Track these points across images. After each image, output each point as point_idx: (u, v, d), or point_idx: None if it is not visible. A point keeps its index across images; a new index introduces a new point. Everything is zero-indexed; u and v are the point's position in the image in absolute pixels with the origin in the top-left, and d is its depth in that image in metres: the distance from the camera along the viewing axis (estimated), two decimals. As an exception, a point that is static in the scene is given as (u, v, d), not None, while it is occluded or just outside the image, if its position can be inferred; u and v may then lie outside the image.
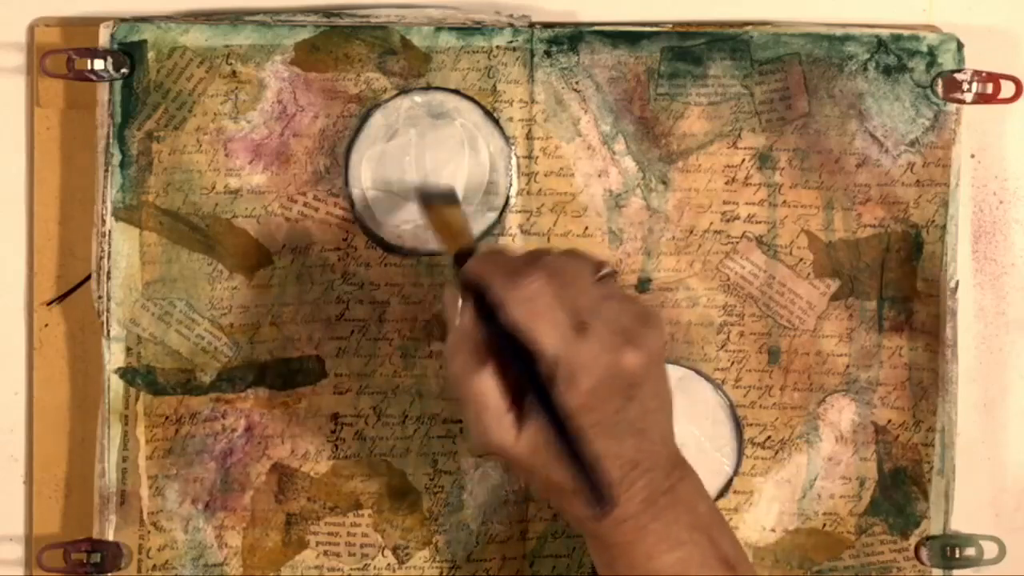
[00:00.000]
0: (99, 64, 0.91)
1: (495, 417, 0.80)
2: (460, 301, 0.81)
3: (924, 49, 0.96)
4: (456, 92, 0.94)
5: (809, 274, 0.97)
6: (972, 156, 0.99)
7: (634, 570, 0.81)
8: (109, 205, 0.92)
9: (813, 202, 0.96)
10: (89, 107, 0.92)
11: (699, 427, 0.97)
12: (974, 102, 0.96)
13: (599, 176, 0.95)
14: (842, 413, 0.97)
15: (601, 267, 0.83)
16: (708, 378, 0.96)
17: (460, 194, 0.93)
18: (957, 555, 0.96)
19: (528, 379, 0.79)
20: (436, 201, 0.90)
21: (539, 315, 0.79)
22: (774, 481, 0.97)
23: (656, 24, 0.96)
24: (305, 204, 0.94)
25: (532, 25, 0.95)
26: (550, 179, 0.95)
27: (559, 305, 0.79)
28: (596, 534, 0.82)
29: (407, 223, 0.94)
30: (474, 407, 0.80)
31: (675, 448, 0.83)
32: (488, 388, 0.79)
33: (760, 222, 0.96)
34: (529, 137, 0.95)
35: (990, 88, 0.96)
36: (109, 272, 0.92)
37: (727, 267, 0.96)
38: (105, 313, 0.92)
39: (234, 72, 0.93)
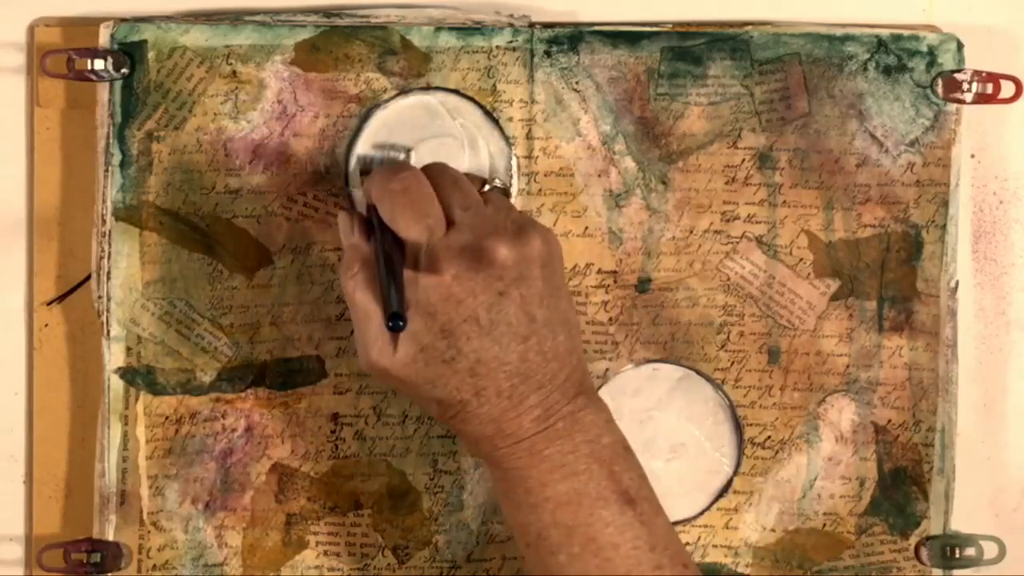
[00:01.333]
0: (99, 64, 0.91)
1: (376, 333, 0.82)
2: (351, 219, 0.85)
3: (924, 49, 0.96)
4: (456, 92, 0.94)
5: (809, 274, 0.97)
6: (972, 156, 0.99)
7: (529, 496, 0.81)
8: (109, 205, 0.92)
9: (813, 202, 0.96)
10: (89, 107, 0.92)
11: (699, 427, 0.97)
12: (974, 102, 0.96)
13: (599, 176, 0.95)
14: (842, 413, 0.97)
15: (488, 181, 0.87)
16: (708, 378, 0.96)
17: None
18: (957, 555, 0.96)
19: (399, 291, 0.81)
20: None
21: (408, 205, 0.81)
22: (774, 481, 0.97)
23: (656, 24, 0.96)
24: (305, 204, 0.94)
25: (532, 25, 0.95)
26: (550, 179, 0.95)
27: (430, 199, 0.82)
28: (494, 459, 0.82)
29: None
30: (359, 322, 0.82)
31: (580, 375, 0.83)
32: (371, 303, 0.82)
33: (760, 222, 0.96)
34: (529, 137, 0.95)
35: (990, 88, 0.96)
36: (109, 272, 0.92)
37: (727, 267, 0.96)
38: (105, 313, 0.92)
39: (234, 72, 0.93)
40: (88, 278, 0.93)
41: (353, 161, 0.93)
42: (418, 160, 0.93)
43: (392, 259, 0.82)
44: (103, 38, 0.92)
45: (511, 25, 0.94)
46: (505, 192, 0.87)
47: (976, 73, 0.96)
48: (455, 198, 0.83)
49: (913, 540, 0.97)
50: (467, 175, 0.87)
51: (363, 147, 0.93)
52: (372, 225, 0.85)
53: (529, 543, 0.83)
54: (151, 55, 0.92)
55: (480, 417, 0.82)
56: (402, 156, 0.92)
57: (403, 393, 0.85)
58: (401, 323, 0.79)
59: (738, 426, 0.96)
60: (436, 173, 0.84)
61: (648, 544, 0.81)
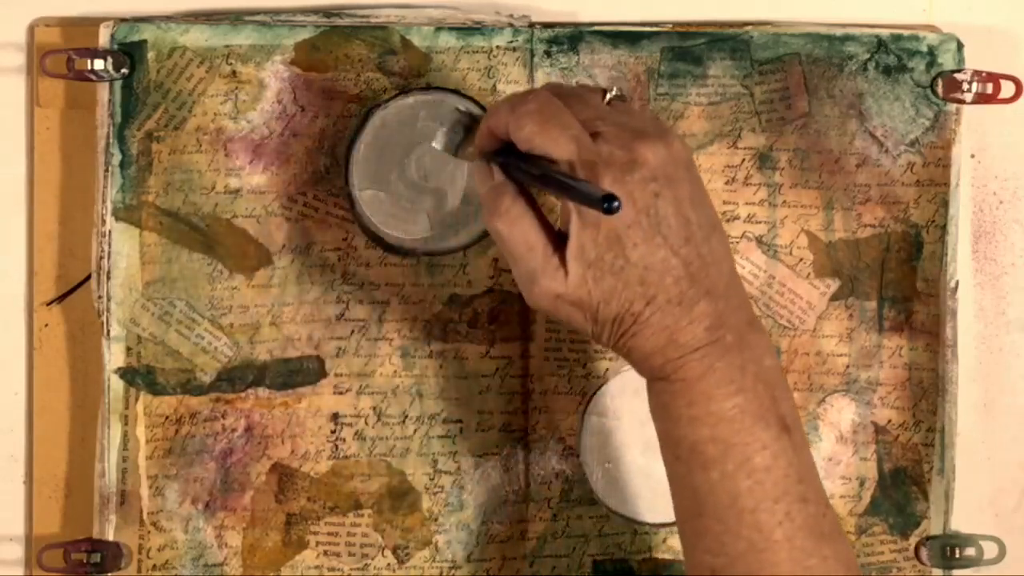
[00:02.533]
0: (99, 64, 0.91)
1: (542, 261, 0.80)
2: (487, 164, 0.82)
3: (924, 49, 0.96)
4: (456, 92, 0.94)
5: (809, 274, 0.97)
6: (972, 156, 0.99)
7: (693, 408, 0.80)
8: (109, 205, 0.92)
9: (813, 202, 0.97)
10: (89, 107, 0.92)
11: (699, 427, 0.97)
12: (974, 102, 0.96)
13: (599, 176, 0.95)
14: (842, 413, 0.97)
15: (607, 91, 0.84)
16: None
17: (458, 194, 0.93)
18: (957, 555, 0.96)
19: (570, 197, 0.79)
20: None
21: (547, 124, 0.79)
22: (774, 481, 0.97)
23: (656, 24, 0.96)
24: (305, 204, 0.94)
25: (532, 25, 0.95)
26: (550, 179, 0.95)
27: (566, 112, 0.80)
28: (664, 372, 0.81)
29: (407, 223, 0.94)
30: (522, 257, 0.80)
31: (738, 287, 0.82)
32: (530, 233, 0.80)
33: (760, 222, 0.96)
34: (529, 137, 0.94)
35: (990, 88, 0.96)
36: (109, 272, 0.92)
37: (727, 267, 0.96)
38: (105, 313, 0.92)
39: (234, 72, 0.93)
40: (88, 278, 0.93)
41: (358, 154, 0.93)
42: (419, 159, 0.93)
43: (549, 173, 0.80)
44: (103, 38, 0.92)
45: (511, 25, 0.94)
46: (623, 97, 0.85)
47: (976, 73, 0.96)
48: (587, 111, 0.81)
49: (913, 540, 0.97)
50: (583, 85, 0.85)
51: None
52: (507, 163, 0.82)
53: (680, 456, 0.81)
54: (151, 55, 0.92)
55: (653, 326, 0.80)
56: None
57: (573, 322, 0.81)
58: (617, 204, 0.75)
59: (738, 426, 0.96)
60: (559, 91, 0.82)
61: (798, 474, 0.80)
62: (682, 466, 0.81)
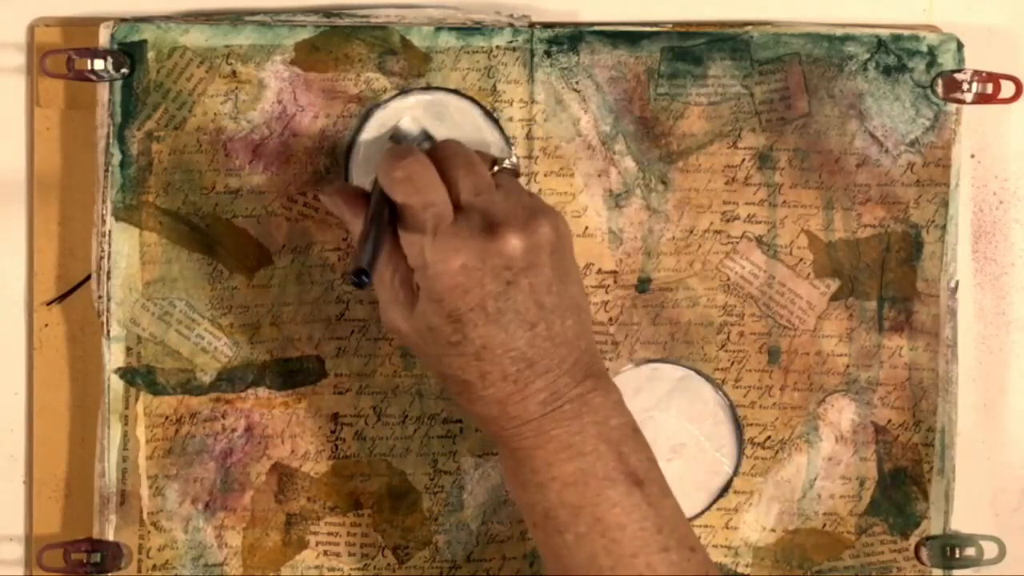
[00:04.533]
0: (99, 64, 0.91)
1: (391, 295, 0.82)
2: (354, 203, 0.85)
3: (924, 49, 0.96)
4: (456, 92, 0.94)
5: (809, 274, 0.97)
6: (972, 156, 0.99)
7: (536, 475, 0.81)
8: (109, 205, 0.92)
9: (813, 202, 0.97)
10: (89, 107, 0.92)
11: (699, 427, 0.97)
12: (974, 102, 0.96)
13: (599, 176, 0.95)
14: (842, 413, 0.97)
15: (499, 161, 0.85)
16: (708, 378, 0.96)
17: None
18: (957, 555, 0.96)
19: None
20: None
21: (415, 192, 0.81)
22: (774, 481, 0.97)
23: (656, 24, 0.96)
24: (305, 204, 0.94)
25: (532, 25, 0.95)
26: (550, 179, 0.95)
27: (434, 186, 0.81)
28: (501, 439, 0.83)
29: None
30: (378, 284, 0.83)
31: (590, 359, 0.83)
32: (384, 268, 0.82)
33: (760, 222, 0.96)
34: (529, 137, 0.95)
35: (990, 88, 0.96)
36: (109, 272, 0.92)
37: (727, 267, 0.96)
38: (105, 313, 0.92)
39: (234, 72, 0.93)
40: (88, 278, 0.93)
41: (358, 154, 0.93)
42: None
43: (381, 217, 0.81)
44: (103, 38, 0.92)
45: (511, 25, 0.94)
46: (515, 172, 0.86)
47: (976, 73, 0.96)
48: (465, 181, 0.82)
49: (913, 540, 0.97)
50: (479, 152, 0.86)
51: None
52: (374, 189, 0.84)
53: (536, 523, 0.82)
54: (151, 55, 0.92)
55: (485, 399, 0.81)
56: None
57: (417, 355, 0.85)
58: (366, 279, 0.78)
59: (738, 426, 0.96)
60: (448, 154, 0.83)
61: (655, 525, 0.81)
62: (539, 532, 0.82)
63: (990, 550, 0.96)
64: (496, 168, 0.85)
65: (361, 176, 0.93)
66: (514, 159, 0.89)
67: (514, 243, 0.80)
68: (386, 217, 0.82)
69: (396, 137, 0.92)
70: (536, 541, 0.83)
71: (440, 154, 0.83)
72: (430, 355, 0.82)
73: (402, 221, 0.82)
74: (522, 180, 0.94)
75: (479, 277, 0.79)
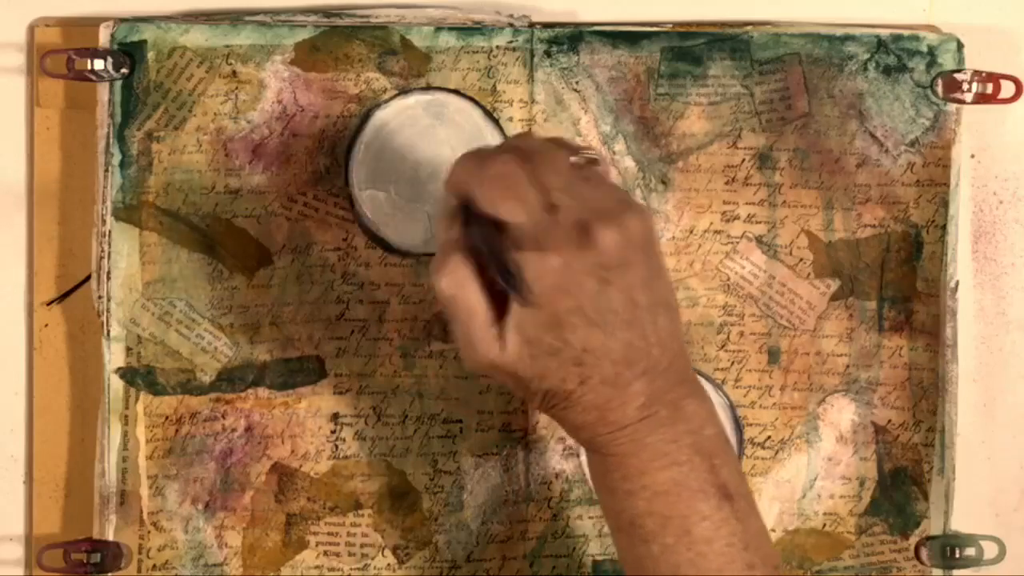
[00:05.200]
0: (99, 64, 0.91)
1: (481, 329, 0.78)
2: (448, 215, 0.80)
3: (924, 49, 0.96)
4: (456, 92, 0.94)
5: (809, 274, 0.97)
6: (972, 156, 0.99)
7: (627, 482, 0.79)
8: (109, 205, 0.92)
9: (813, 202, 0.97)
10: (89, 107, 0.92)
11: (699, 427, 0.97)
12: (974, 102, 0.96)
13: (599, 176, 0.95)
14: (842, 413, 0.97)
15: (580, 151, 0.81)
16: (708, 378, 0.96)
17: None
18: (957, 555, 0.96)
19: (507, 281, 0.78)
20: None
21: (507, 192, 0.77)
22: (774, 481, 0.97)
23: (656, 24, 0.96)
24: (305, 204, 0.94)
25: (532, 25, 0.95)
26: (550, 179, 0.95)
27: (528, 183, 0.77)
28: (594, 445, 0.80)
29: (407, 222, 0.94)
30: (462, 320, 0.78)
31: (683, 362, 0.81)
32: (472, 299, 0.78)
33: (760, 222, 0.96)
34: (529, 137, 0.95)
35: (990, 88, 0.96)
36: (109, 272, 0.92)
37: (727, 267, 0.96)
38: (105, 313, 0.92)
39: (234, 72, 0.93)
40: (88, 278, 0.93)
41: (358, 154, 0.93)
42: (419, 159, 0.93)
43: (494, 252, 0.78)
44: (103, 38, 0.92)
45: (511, 25, 0.94)
46: (595, 160, 0.82)
47: (976, 73, 0.96)
48: (551, 179, 0.78)
49: (913, 540, 0.97)
50: (556, 141, 0.82)
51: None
52: (467, 219, 0.79)
53: (621, 528, 0.80)
54: (151, 55, 0.92)
55: (584, 404, 0.79)
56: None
57: (510, 387, 0.81)
58: (514, 286, 0.75)
59: (738, 426, 0.96)
60: (527, 151, 0.79)
61: (742, 542, 0.79)
62: (623, 538, 0.81)
63: (990, 550, 0.96)
64: (577, 158, 0.81)
65: (361, 176, 0.93)
66: (594, 148, 0.84)
67: (608, 240, 0.77)
68: (497, 241, 0.78)
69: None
70: (617, 547, 0.82)
71: (521, 151, 0.79)
72: (529, 376, 0.79)
73: (488, 231, 0.78)
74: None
75: (576, 277, 0.77)
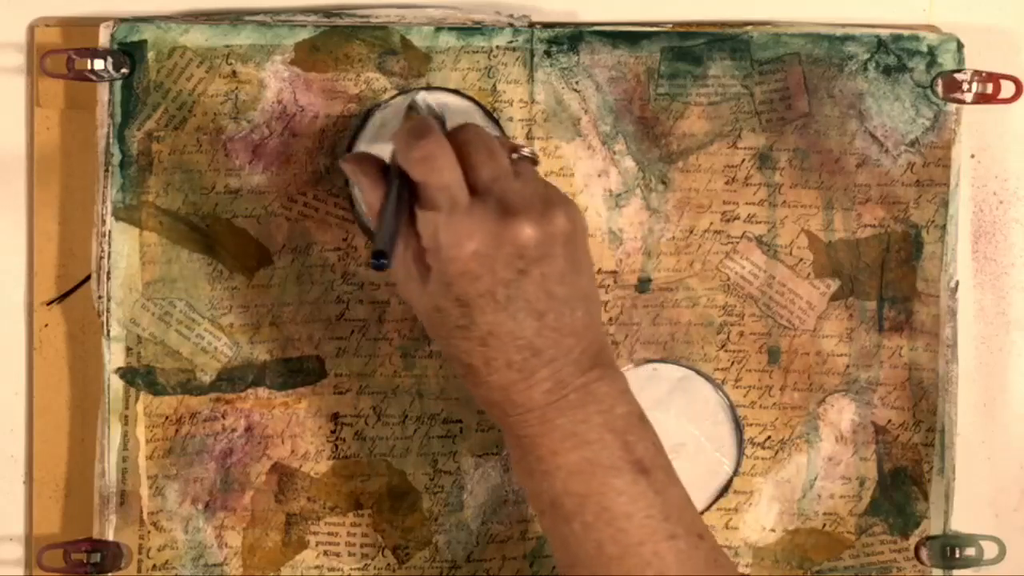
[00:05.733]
0: (99, 64, 0.91)
1: (404, 270, 0.82)
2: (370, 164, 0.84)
3: (924, 49, 0.96)
4: (456, 92, 0.94)
5: (809, 274, 0.97)
6: (972, 156, 0.99)
7: (541, 463, 0.81)
8: (109, 205, 0.92)
9: (813, 202, 0.97)
10: (89, 107, 0.92)
11: (699, 427, 0.97)
12: (974, 102, 0.96)
13: (599, 176, 0.95)
14: (842, 413, 0.97)
15: (518, 149, 0.84)
16: (708, 378, 0.96)
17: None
18: (957, 555, 0.96)
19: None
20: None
21: (432, 172, 0.80)
22: (774, 481, 0.97)
23: (656, 24, 0.96)
24: (305, 204, 0.94)
25: (532, 25, 0.95)
26: (550, 179, 0.95)
27: (451, 168, 0.80)
28: (506, 424, 0.82)
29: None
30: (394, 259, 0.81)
31: (598, 348, 0.82)
32: (400, 243, 0.81)
33: (760, 222, 0.96)
34: (529, 137, 0.95)
35: (990, 88, 0.96)
36: (109, 272, 0.92)
37: (727, 267, 0.96)
38: (105, 313, 0.92)
39: (234, 72, 0.93)
40: (88, 278, 0.93)
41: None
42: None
43: (400, 195, 0.81)
44: (103, 38, 0.92)
45: (511, 25, 0.94)
46: (533, 160, 0.85)
47: (976, 73, 0.96)
48: (484, 167, 0.81)
49: (913, 540, 0.97)
50: (500, 137, 0.85)
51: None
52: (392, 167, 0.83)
53: (543, 511, 0.82)
54: (151, 55, 0.92)
55: (489, 384, 0.81)
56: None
57: (431, 334, 0.84)
58: (384, 262, 0.77)
59: (738, 426, 0.96)
60: (468, 138, 0.82)
61: (662, 513, 0.81)
62: (546, 519, 0.82)
63: (990, 550, 0.96)
64: (515, 155, 0.84)
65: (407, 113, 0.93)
66: (534, 148, 0.88)
67: (528, 232, 0.79)
68: (404, 195, 0.81)
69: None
70: (543, 528, 0.83)
71: (460, 137, 0.82)
72: (438, 335, 0.82)
73: (418, 199, 0.81)
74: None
75: (491, 264, 0.79)
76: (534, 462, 0.82)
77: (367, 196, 0.84)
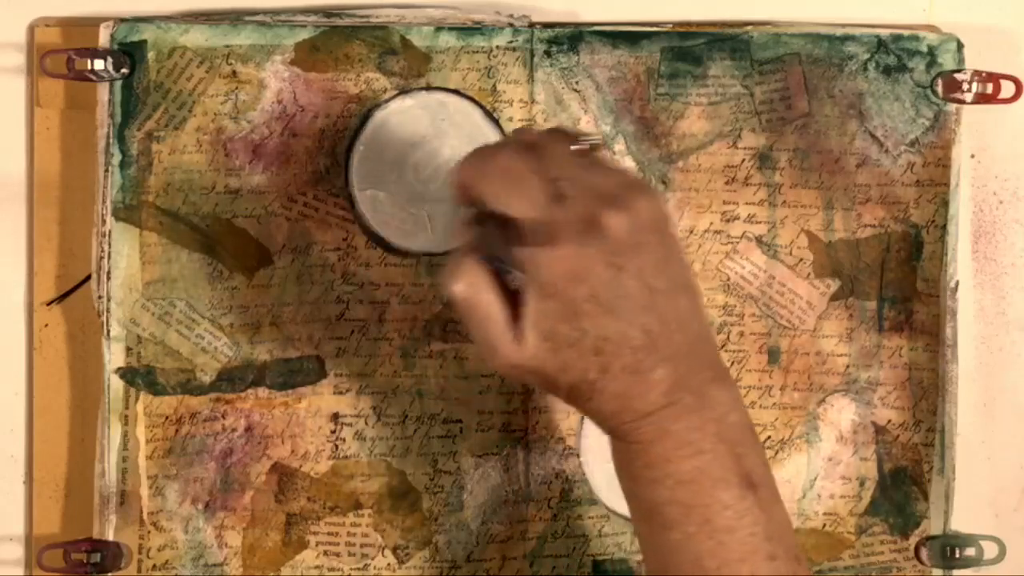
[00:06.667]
0: (99, 64, 0.91)
1: (499, 332, 0.78)
2: (461, 222, 0.80)
3: (924, 49, 0.96)
4: (456, 92, 0.94)
5: (809, 274, 0.97)
6: (972, 156, 0.99)
7: (650, 470, 0.78)
8: (109, 205, 0.92)
9: (813, 202, 0.97)
10: (89, 107, 0.92)
11: (699, 427, 0.97)
12: (974, 102, 0.96)
13: (599, 176, 0.95)
14: (842, 413, 0.97)
15: (580, 137, 0.81)
16: (708, 378, 0.96)
17: None
18: (957, 555, 0.96)
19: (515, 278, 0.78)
20: None
21: (511, 187, 0.77)
22: (774, 481, 0.97)
23: (656, 24, 0.96)
24: (305, 204, 0.94)
25: (532, 25, 0.95)
26: (550, 179, 0.95)
27: (532, 175, 0.77)
28: (619, 433, 0.79)
29: (407, 222, 0.94)
30: (479, 325, 0.78)
31: (707, 346, 0.80)
32: (489, 303, 0.78)
33: (760, 222, 0.96)
34: (529, 137, 0.94)
35: (990, 88, 0.96)
36: (109, 272, 0.92)
37: (727, 267, 0.96)
38: (105, 313, 0.92)
39: (234, 72, 0.93)
40: (88, 278, 0.93)
41: (358, 154, 0.92)
42: (419, 159, 0.93)
43: (506, 242, 0.77)
44: (103, 38, 0.92)
45: (511, 25, 0.94)
46: (597, 146, 0.81)
47: (976, 73, 0.96)
48: (554, 169, 0.78)
49: (913, 540, 0.97)
50: (556, 130, 0.82)
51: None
52: (477, 220, 0.79)
53: (643, 516, 0.80)
54: (151, 55, 0.92)
55: (607, 393, 0.78)
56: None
57: (536, 385, 0.80)
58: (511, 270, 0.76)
59: (738, 426, 0.96)
60: (528, 143, 0.79)
61: (765, 532, 0.78)
62: (645, 526, 0.80)
63: (990, 550, 0.96)
64: (577, 146, 0.80)
65: (361, 176, 0.93)
66: (595, 133, 0.84)
67: (617, 225, 0.76)
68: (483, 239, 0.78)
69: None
70: (639, 534, 0.81)
71: (520, 143, 0.79)
72: (551, 371, 0.78)
73: (499, 230, 0.78)
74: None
75: (588, 265, 0.76)
76: (641, 468, 0.79)
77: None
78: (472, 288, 0.78)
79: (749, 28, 0.96)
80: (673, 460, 0.78)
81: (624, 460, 0.80)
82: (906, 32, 0.96)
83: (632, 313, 0.77)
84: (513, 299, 0.78)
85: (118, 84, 0.91)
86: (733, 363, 0.96)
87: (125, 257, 0.92)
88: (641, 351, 0.77)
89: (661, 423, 0.78)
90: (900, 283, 0.97)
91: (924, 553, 0.97)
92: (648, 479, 0.79)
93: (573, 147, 0.80)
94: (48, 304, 0.94)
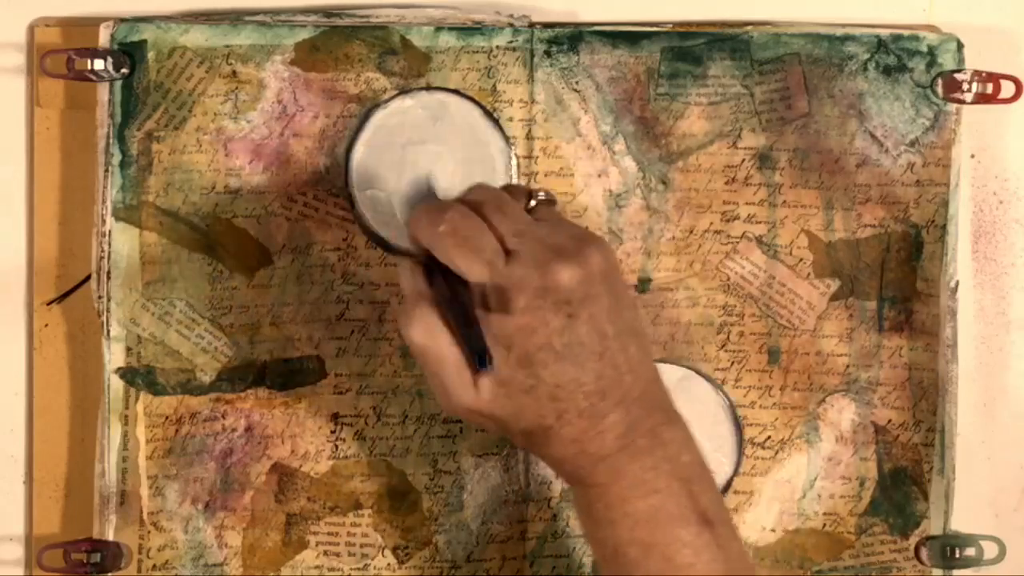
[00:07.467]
0: (99, 64, 0.91)
1: (454, 376, 0.81)
2: (411, 266, 0.83)
3: (924, 49, 0.96)
4: (456, 92, 0.94)
5: (809, 274, 0.97)
6: (972, 156, 0.99)
7: (609, 511, 0.81)
8: (109, 205, 0.92)
9: (813, 202, 0.97)
10: (89, 107, 0.92)
11: (699, 427, 0.96)
12: (974, 102, 0.96)
13: (599, 176, 0.95)
14: (842, 413, 0.97)
15: (533, 194, 0.84)
16: (708, 378, 0.96)
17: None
18: (957, 555, 0.96)
19: (474, 333, 0.80)
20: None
21: (462, 244, 0.80)
22: (774, 481, 0.97)
23: (656, 24, 0.96)
24: (305, 204, 0.94)
25: (532, 25, 0.95)
26: (550, 179, 0.95)
27: (481, 232, 0.80)
28: (576, 478, 0.82)
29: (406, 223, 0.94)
30: (433, 369, 0.81)
31: (656, 388, 0.82)
32: (443, 347, 0.80)
33: (760, 222, 0.96)
34: (529, 137, 0.95)
35: (990, 88, 0.96)
36: (109, 272, 0.92)
37: (727, 267, 0.96)
38: (105, 313, 0.92)
39: (234, 72, 0.93)
40: (88, 278, 0.93)
41: (358, 154, 0.92)
42: (418, 159, 0.93)
43: (459, 298, 0.81)
44: (103, 38, 0.92)
45: (511, 25, 0.94)
46: (550, 201, 0.85)
47: (976, 73, 0.96)
48: (505, 225, 0.81)
49: (913, 540, 0.97)
50: (509, 188, 0.85)
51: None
52: (430, 268, 0.82)
53: (606, 558, 0.82)
54: (151, 55, 0.92)
55: (562, 438, 0.81)
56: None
57: (489, 430, 0.83)
58: (488, 360, 0.79)
59: (738, 426, 0.96)
60: (480, 200, 0.82)
61: (724, 567, 0.80)
62: (609, 567, 0.82)
63: (990, 550, 0.96)
64: (533, 202, 0.84)
65: (361, 176, 0.93)
66: (548, 190, 0.87)
67: (568, 275, 0.79)
68: (464, 295, 0.81)
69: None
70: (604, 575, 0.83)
71: (473, 201, 0.82)
72: (506, 416, 0.81)
73: (456, 280, 0.81)
74: (523, 181, 0.94)
75: (542, 315, 0.79)
76: (602, 510, 0.81)
77: (408, 286, 0.83)
78: (428, 335, 0.80)
79: (749, 28, 0.96)
80: (630, 499, 0.80)
81: (584, 504, 0.82)
82: (906, 32, 0.96)
83: (585, 359, 0.79)
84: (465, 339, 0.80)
85: (118, 84, 0.92)
86: (733, 363, 0.96)
87: (125, 257, 0.92)
88: (595, 396, 0.80)
89: (617, 464, 0.80)
90: (900, 283, 0.97)
91: (924, 553, 0.97)
92: (608, 520, 0.81)
93: (531, 201, 0.84)
94: (48, 304, 0.94)
